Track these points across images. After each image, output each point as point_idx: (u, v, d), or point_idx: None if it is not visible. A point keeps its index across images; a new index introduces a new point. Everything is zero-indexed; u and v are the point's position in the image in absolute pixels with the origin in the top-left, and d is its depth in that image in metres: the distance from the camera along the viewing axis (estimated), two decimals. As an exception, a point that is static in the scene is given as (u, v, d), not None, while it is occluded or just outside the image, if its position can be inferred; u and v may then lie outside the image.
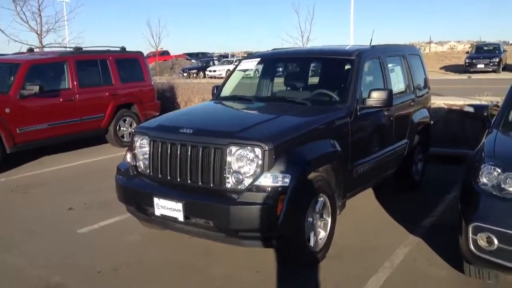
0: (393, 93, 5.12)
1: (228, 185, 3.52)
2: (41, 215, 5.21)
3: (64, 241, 4.43)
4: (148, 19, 56.68)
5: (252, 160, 3.47)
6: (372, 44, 5.64)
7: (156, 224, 3.98)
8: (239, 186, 3.49)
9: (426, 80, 6.52)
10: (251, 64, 5.26)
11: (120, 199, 4.11)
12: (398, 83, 5.47)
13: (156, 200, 3.71)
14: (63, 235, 4.57)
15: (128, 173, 4.09)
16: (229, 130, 3.67)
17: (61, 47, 16.82)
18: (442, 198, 5.53)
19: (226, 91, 5.21)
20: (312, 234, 3.81)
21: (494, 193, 2.97)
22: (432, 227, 4.68)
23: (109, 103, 8.96)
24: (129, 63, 9.71)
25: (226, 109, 4.64)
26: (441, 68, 30.14)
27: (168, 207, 3.65)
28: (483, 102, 6.85)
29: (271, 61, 5.45)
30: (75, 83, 8.36)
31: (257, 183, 3.44)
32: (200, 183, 3.63)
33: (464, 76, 24.34)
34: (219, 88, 5.32)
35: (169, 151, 3.78)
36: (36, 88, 7.47)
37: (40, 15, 17.02)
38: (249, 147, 3.47)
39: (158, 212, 3.73)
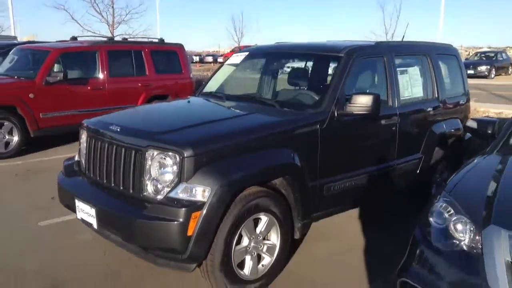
0: (402, 98, 4.36)
1: (146, 194, 3.06)
2: (21, 203, 5.14)
3: (16, 234, 4.26)
4: (232, 14, 56.96)
5: (170, 167, 2.98)
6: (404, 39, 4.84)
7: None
8: (158, 196, 3.01)
9: (463, 86, 5.52)
10: (238, 59, 4.72)
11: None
12: (411, 87, 4.62)
13: (77, 202, 3.36)
14: (20, 228, 4.41)
15: (69, 170, 3.79)
16: (153, 131, 3.20)
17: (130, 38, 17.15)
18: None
19: (211, 86, 4.72)
20: (248, 259, 3.24)
21: (434, 242, 2.20)
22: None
23: (141, 94, 8.89)
24: (166, 55, 9.57)
25: (181, 107, 4.15)
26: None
27: (85, 212, 3.28)
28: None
29: (258, 56, 4.85)
30: (105, 72, 8.36)
31: (171, 194, 2.94)
32: (121, 188, 3.21)
33: None
34: (204, 83, 4.86)
35: (99, 149, 3.41)
36: (60, 75, 7.55)
37: (112, 6, 17.70)
38: (169, 152, 2.98)
39: (79, 215, 3.38)
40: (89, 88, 8.14)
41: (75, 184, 3.57)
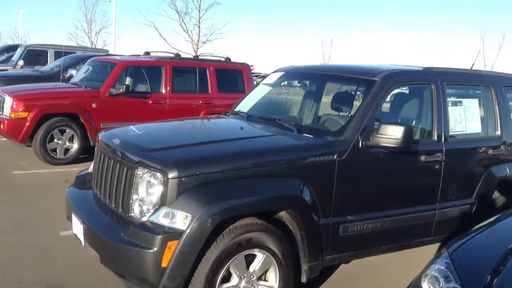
0: (452, 133, 3.81)
1: (132, 214, 2.86)
2: (56, 209, 5.20)
3: (35, 239, 4.30)
4: (321, 39, 56.01)
5: (156, 188, 2.76)
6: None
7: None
8: (143, 218, 2.80)
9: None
10: (273, 78, 4.44)
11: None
12: (466, 122, 4.00)
13: (73, 216, 3.27)
14: (42, 234, 4.46)
15: (79, 181, 3.74)
16: (146, 147, 3.01)
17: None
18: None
19: (242, 106, 4.49)
20: (237, 299, 2.89)
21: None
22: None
23: (201, 111, 8.91)
24: (231, 74, 9.55)
25: (195, 124, 3.96)
26: None
27: (77, 227, 3.17)
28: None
29: (292, 77, 4.53)
30: (168, 88, 8.50)
31: (153, 218, 2.72)
32: (113, 205, 3.05)
33: None
34: (237, 102, 4.64)
35: (101, 162, 3.30)
36: (123, 88, 7.78)
37: (199, 26, 18.35)
38: (155, 172, 2.76)
39: (74, 230, 3.28)
40: (150, 102, 8.30)
41: (78, 197, 3.50)
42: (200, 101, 8.89)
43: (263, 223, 2.90)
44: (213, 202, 2.66)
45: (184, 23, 18.23)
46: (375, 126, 3.31)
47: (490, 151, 4.11)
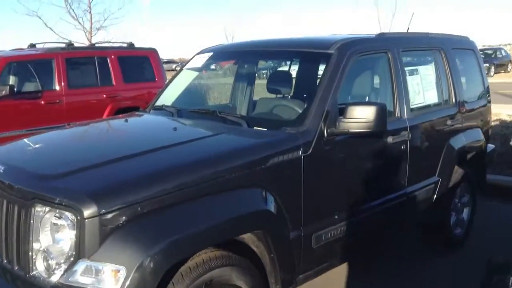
0: (412, 107, 3.33)
1: (36, 273, 1.97)
2: None
3: None
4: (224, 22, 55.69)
5: (66, 233, 1.90)
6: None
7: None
8: (52, 278, 1.92)
9: (483, 87, 4.48)
10: (200, 61, 3.63)
11: None
12: (424, 91, 3.56)
13: None
14: None
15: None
16: (43, 173, 2.10)
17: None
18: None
19: (165, 98, 3.62)
20: None
21: None
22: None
23: (106, 106, 7.79)
24: (136, 62, 8.50)
25: (109, 129, 3.07)
26: None
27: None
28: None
29: (224, 57, 3.77)
30: (63, 83, 7.26)
31: (66, 277, 1.86)
32: (4, 260, 2.12)
33: None
34: (157, 94, 3.77)
35: (-21, 199, 2.32)
36: (6, 89, 6.46)
37: (90, 12, 16.69)
38: (62, 210, 1.89)
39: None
40: (43, 102, 7.03)
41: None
42: (104, 95, 7.78)
43: (224, 254, 2.16)
44: (155, 242, 1.86)
45: (73, 10, 16.41)
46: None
47: (449, 122, 3.73)
